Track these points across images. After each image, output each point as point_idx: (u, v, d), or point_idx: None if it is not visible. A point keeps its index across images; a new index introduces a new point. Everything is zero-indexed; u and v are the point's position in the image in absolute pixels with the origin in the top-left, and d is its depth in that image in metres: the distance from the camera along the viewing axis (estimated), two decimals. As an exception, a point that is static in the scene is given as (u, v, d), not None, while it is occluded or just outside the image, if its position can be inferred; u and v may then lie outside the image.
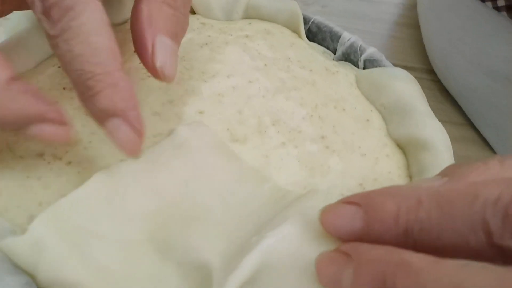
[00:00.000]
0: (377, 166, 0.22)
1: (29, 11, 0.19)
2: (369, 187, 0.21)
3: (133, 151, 0.18)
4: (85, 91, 0.17)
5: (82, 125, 0.22)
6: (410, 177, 0.22)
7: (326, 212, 0.15)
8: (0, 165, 0.20)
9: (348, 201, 0.15)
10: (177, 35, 0.20)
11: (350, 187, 0.21)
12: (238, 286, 0.15)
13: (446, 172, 0.16)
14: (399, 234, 0.14)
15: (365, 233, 0.14)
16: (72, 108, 0.23)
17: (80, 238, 0.17)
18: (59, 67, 0.25)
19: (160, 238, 0.18)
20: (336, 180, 0.21)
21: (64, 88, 0.24)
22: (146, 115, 0.23)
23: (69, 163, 0.21)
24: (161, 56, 0.19)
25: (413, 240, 0.13)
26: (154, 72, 0.19)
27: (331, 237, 0.15)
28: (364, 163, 0.22)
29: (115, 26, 0.29)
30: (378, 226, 0.14)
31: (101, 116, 0.18)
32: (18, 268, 0.16)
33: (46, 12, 0.17)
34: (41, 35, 0.25)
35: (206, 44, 0.28)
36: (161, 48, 0.19)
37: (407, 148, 0.23)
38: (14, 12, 0.22)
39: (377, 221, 0.14)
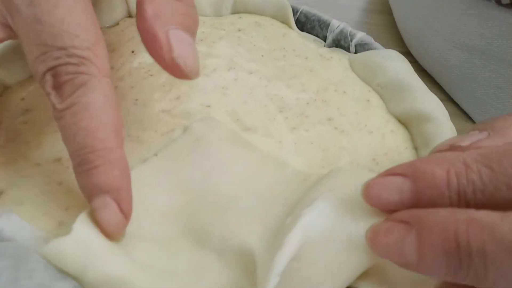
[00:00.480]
0: (384, 141, 0.23)
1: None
2: (382, 161, 0.22)
3: (116, 233, 0.17)
4: (83, 164, 0.17)
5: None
6: (415, 149, 0.23)
7: (370, 186, 0.16)
8: (17, 174, 0.20)
9: (392, 173, 0.16)
10: (190, 28, 0.19)
11: (365, 163, 0.22)
12: (285, 263, 0.16)
13: (483, 127, 0.17)
14: (452, 198, 0.14)
15: (414, 202, 0.15)
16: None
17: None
18: (57, 72, 0.25)
19: (195, 231, 0.19)
20: (350, 158, 0.22)
21: (67, 93, 0.24)
22: (155, 113, 0.23)
23: (88, 166, 0.21)
24: (179, 49, 0.18)
25: (466, 202, 0.14)
26: (173, 68, 0.19)
27: (367, 209, 0.16)
28: (372, 140, 0.23)
29: (106, 28, 0.28)
30: (429, 193, 0.14)
31: (92, 191, 0.17)
32: (63, 273, 0.16)
33: (57, 87, 0.17)
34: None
35: (201, 40, 0.28)
36: (176, 41, 0.18)
37: (409, 123, 0.24)
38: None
39: (428, 188, 0.14)
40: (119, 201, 0.17)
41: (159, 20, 0.19)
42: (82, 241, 0.16)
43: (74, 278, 0.16)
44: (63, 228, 0.18)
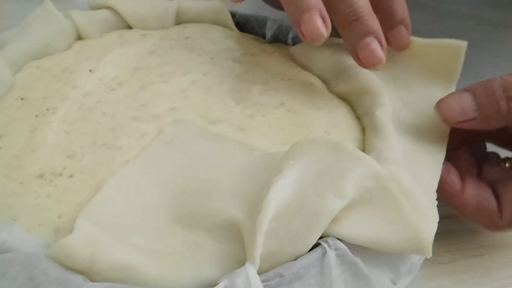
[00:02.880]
0: (332, 115, 0.26)
1: None
2: (332, 131, 0.25)
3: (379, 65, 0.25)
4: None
5: (70, 141, 0.24)
6: (358, 118, 0.27)
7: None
8: (3, 194, 0.21)
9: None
10: None
11: (318, 135, 0.25)
12: (267, 224, 0.19)
13: None
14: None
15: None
16: (56, 128, 0.24)
17: (116, 230, 0.19)
18: (22, 98, 0.26)
19: (184, 216, 0.21)
20: (306, 133, 0.25)
21: (36, 116, 0.25)
22: (125, 121, 0.25)
23: (71, 176, 0.22)
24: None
25: None
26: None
27: (322, 167, 0.20)
28: (321, 115, 0.26)
29: (61, 53, 0.30)
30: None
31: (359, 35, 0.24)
32: (71, 270, 0.17)
33: None
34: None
35: (153, 51, 0.30)
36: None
37: (349, 97, 0.28)
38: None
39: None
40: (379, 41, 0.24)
41: None
42: (88, 235, 0.17)
43: (81, 273, 0.18)
44: (60, 234, 0.20)
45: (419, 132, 0.25)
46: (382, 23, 0.27)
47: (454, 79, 0.27)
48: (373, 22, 0.25)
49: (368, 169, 0.19)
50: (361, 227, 0.19)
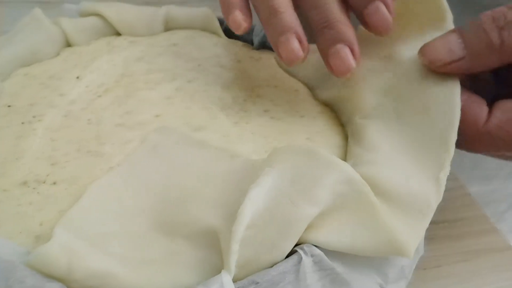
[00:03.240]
0: (315, 122, 0.27)
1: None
2: (315, 138, 0.25)
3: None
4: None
5: (54, 149, 0.24)
6: (342, 125, 0.27)
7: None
8: (-13, 202, 0.21)
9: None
10: None
11: (300, 142, 0.25)
12: (242, 232, 0.19)
13: None
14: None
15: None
16: (41, 135, 0.24)
17: (95, 238, 0.19)
18: (9, 106, 0.26)
19: (163, 224, 0.21)
20: (288, 140, 0.25)
21: (22, 123, 0.25)
22: (110, 128, 0.25)
23: (54, 183, 0.22)
24: None
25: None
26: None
27: (300, 175, 0.20)
28: (304, 122, 0.26)
29: (49, 60, 0.30)
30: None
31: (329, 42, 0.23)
32: (49, 278, 0.18)
33: None
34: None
35: (141, 58, 0.31)
36: None
37: (333, 103, 0.28)
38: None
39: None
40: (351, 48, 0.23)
41: None
42: (65, 244, 0.18)
43: (60, 281, 0.18)
44: (40, 241, 0.20)
45: (426, 85, 0.23)
46: (357, 2, 0.24)
47: (446, 20, 0.24)
48: (346, 29, 0.23)
49: (341, 174, 0.20)
50: (338, 233, 0.19)
